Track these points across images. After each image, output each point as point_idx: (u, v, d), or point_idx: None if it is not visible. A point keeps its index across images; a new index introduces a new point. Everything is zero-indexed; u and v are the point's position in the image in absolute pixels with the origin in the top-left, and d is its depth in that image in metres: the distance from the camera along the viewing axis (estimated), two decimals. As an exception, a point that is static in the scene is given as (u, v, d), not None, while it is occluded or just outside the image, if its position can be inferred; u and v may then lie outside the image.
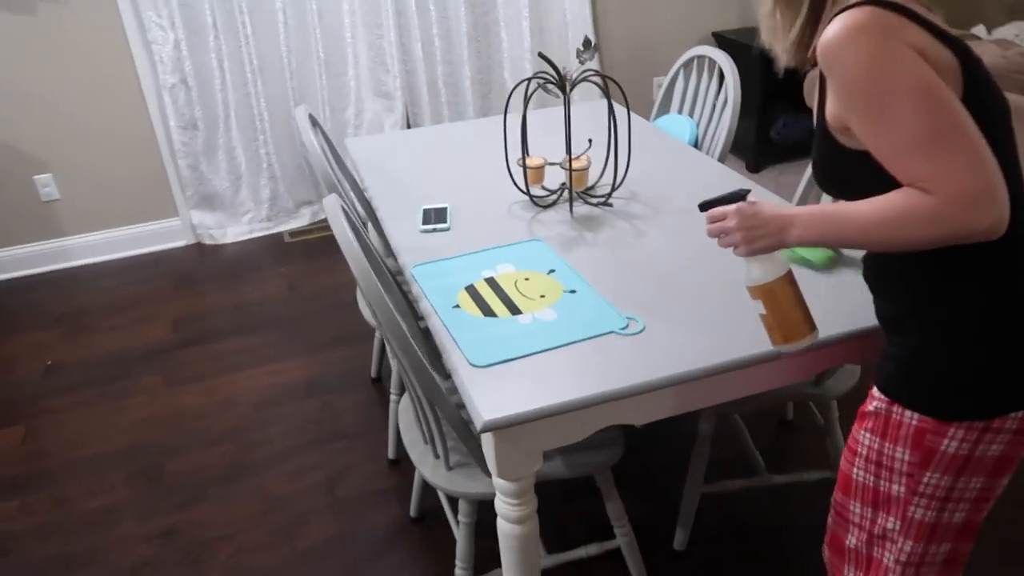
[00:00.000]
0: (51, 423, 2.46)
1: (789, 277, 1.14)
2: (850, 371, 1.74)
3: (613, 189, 1.85)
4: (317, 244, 3.50)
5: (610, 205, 1.85)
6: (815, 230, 1.07)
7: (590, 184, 1.95)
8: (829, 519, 1.25)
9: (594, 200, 1.88)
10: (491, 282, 1.57)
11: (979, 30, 3.80)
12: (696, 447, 1.76)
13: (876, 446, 1.12)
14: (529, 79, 1.80)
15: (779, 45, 1.15)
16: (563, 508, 2.02)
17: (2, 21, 3.02)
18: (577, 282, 1.54)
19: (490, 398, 1.23)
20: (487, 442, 1.27)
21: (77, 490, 2.18)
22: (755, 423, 2.25)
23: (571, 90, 1.76)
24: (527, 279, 1.57)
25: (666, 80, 2.48)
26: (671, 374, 1.26)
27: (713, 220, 1.15)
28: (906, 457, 1.09)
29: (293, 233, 3.61)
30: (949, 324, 1.04)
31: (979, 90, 0.99)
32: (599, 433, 1.56)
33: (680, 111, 2.46)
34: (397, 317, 1.32)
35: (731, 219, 1.12)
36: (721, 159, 2.20)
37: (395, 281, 1.74)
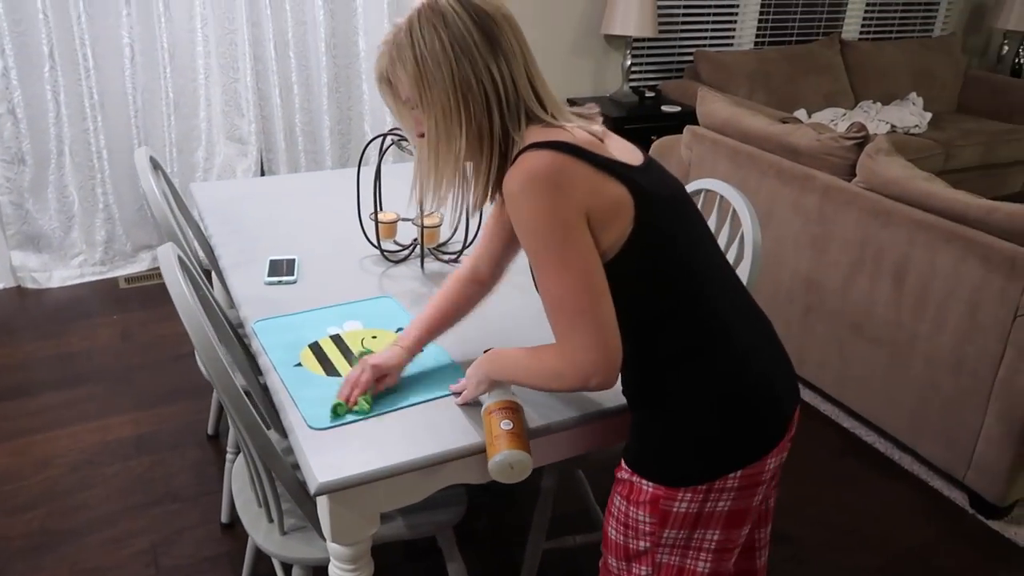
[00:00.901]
0: None
1: (489, 410, 1.23)
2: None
3: (465, 246, 1.88)
4: (156, 291, 3.30)
5: (460, 262, 1.87)
6: (496, 366, 1.24)
7: (442, 240, 1.97)
8: (599, 570, 1.33)
9: (446, 256, 1.89)
10: (337, 339, 1.53)
11: (800, 114, 4.21)
12: (539, 503, 1.78)
13: (624, 508, 1.22)
14: (384, 134, 1.80)
15: (472, 195, 1.20)
16: (404, 569, 1.96)
17: None
18: (424, 339, 1.54)
19: (326, 459, 1.19)
20: (322, 505, 1.23)
21: None
22: (599, 477, 2.31)
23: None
24: (374, 337, 1.55)
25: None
26: (512, 434, 1.27)
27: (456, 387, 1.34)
28: (647, 519, 1.19)
29: (129, 279, 3.38)
30: (663, 404, 1.16)
31: (653, 201, 1.10)
32: (441, 492, 1.54)
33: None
34: (231, 374, 1.25)
35: (465, 381, 1.31)
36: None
37: (236, 335, 1.67)
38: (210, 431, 2.41)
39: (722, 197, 1.90)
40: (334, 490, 1.17)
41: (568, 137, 1.09)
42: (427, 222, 1.85)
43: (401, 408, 1.32)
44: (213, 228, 2.03)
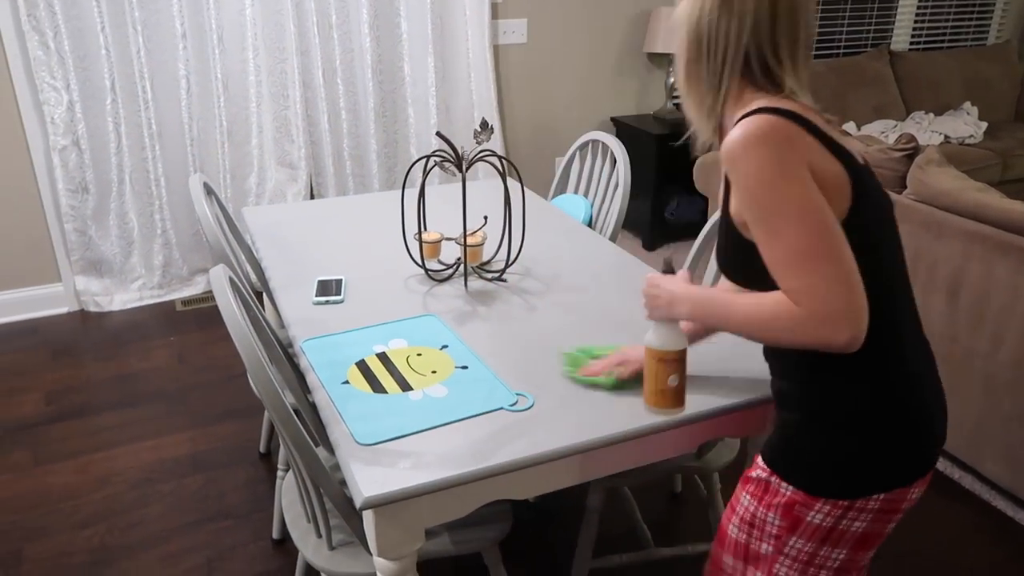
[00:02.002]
0: None
1: (663, 356, 1.25)
2: (730, 444, 1.80)
3: (507, 265, 1.89)
4: (211, 313, 3.39)
5: (504, 280, 1.89)
6: (700, 311, 1.18)
7: (485, 259, 1.99)
8: (705, 567, 1.31)
9: (488, 275, 1.91)
10: (383, 357, 1.56)
11: (849, 127, 4.15)
12: (584, 521, 1.77)
13: (752, 508, 1.19)
14: (427, 156, 1.84)
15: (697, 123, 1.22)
16: (455, 588, 1.97)
17: None
18: (469, 358, 1.55)
19: (372, 474, 1.21)
20: (367, 519, 1.25)
21: (-79, 580, 1.99)
22: (646, 496, 2.28)
23: (467, 169, 1.81)
24: (419, 355, 1.57)
25: (563, 161, 2.58)
26: (552, 448, 1.27)
27: (649, 285, 1.27)
28: (776, 521, 1.16)
29: (186, 301, 3.49)
30: (824, 410, 1.13)
31: (868, 196, 1.08)
32: (487, 508, 1.55)
33: (576, 191, 2.55)
34: (280, 392, 1.29)
35: (660, 288, 1.24)
36: (613, 238, 2.29)
37: (286, 354, 1.71)
38: (262, 449, 2.46)
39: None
40: (379, 504, 1.18)
41: (798, 109, 1.07)
42: (470, 241, 1.87)
43: (446, 424, 1.34)
44: (264, 251, 2.09)
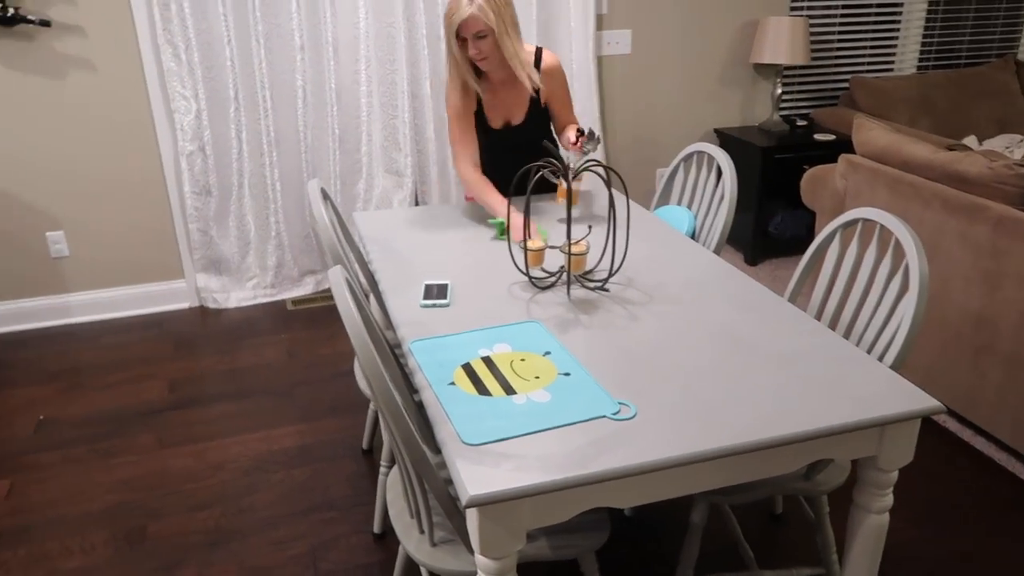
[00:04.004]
0: (38, 479, 2.45)
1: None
2: (841, 466, 1.75)
3: (611, 274, 1.90)
4: (319, 313, 3.54)
5: (607, 290, 1.90)
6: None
7: (588, 268, 2.00)
8: None
9: (591, 284, 1.92)
10: (487, 361, 1.60)
11: (970, 141, 3.94)
12: (687, 537, 1.75)
13: None
14: (535, 166, 1.87)
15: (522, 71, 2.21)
16: (547, 593, 1.99)
17: (33, 84, 3.15)
18: (572, 365, 1.57)
19: (477, 474, 1.24)
20: (471, 518, 1.28)
21: (56, 548, 2.16)
22: (745, 515, 2.24)
23: (573, 179, 1.83)
24: (523, 360, 1.60)
25: (667, 172, 2.57)
26: (655, 459, 1.27)
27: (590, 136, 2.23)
28: None
29: (296, 301, 3.65)
30: None
31: None
32: (585, 516, 1.56)
33: (679, 202, 2.54)
34: (392, 389, 1.34)
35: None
36: (717, 251, 2.26)
37: (393, 353, 1.77)
38: (365, 445, 2.55)
39: (882, 227, 1.82)
40: (483, 503, 1.21)
41: None
42: (574, 250, 1.89)
43: (554, 428, 1.36)
44: (373, 254, 2.18)
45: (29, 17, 3.03)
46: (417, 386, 1.55)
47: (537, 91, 2.31)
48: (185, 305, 3.62)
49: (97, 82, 3.23)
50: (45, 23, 3.06)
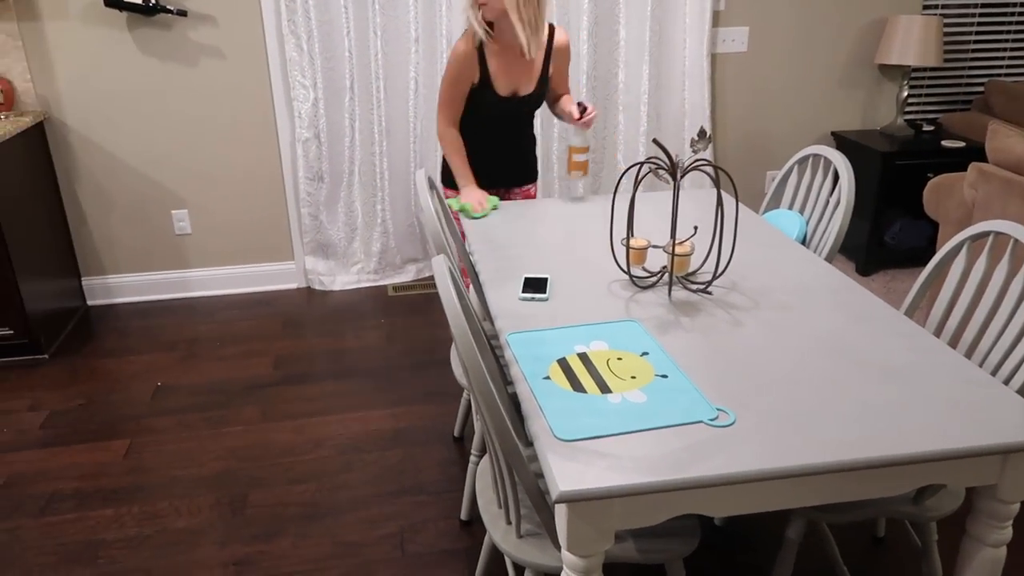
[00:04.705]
0: (153, 441, 2.61)
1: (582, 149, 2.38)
2: (953, 493, 1.64)
3: (714, 277, 1.85)
4: (418, 300, 3.61)
5: (709, 293, 1.85)
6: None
7: (691, 270, 1.96)
8: None
9: (694, 286, 1.88)
10: (583, 357, 1.59)
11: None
12: (781, 553, 1.69)
13: None
14: (641, 163, 1.84)
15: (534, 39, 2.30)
16: (631, 596, 1.96)
17: (168, 70, 3.35)
18: (669, 367, 1.54)
19: (568, 470, 1.24)
20: (560, 514, 1.28)
21: (167, 508, 2.29)
22: (844, 535, 2.14)
23: (681, 177, 1.79)
24: (620, 359, 1.58)
25: (779, 175, 2.48)
26: (752, 469, 1.23)
27: (592, 114, 2.39)
28: None
29: (397, 287, 3.74)
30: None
31: None
32: (675, 521, 1.53)
33: (791, 207, 2.44)
34: (488, 380, 1.35)
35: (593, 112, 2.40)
36: (828, 259, 2.16)
37: (489, 344, 1.79)
38: (456, 433, 2.58)
39: (1016, 241, 1.69)
40: (574, 500, 1.21)
41: None
42: (678, 251, 1.85)
43: (649, 430, 1.34)
44: (475, 244, 2.20)
45: (168, 7, 3.22)
46: (512, 378, 1.55)
47: (546, 64, 2.41)
48: (293, 286, 3.77)
49: (225, 69, 3.40)
50: (182, 13, 3.24)
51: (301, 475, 2.42)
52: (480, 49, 2.33)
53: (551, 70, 2.43)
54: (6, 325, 3.05)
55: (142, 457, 2.54)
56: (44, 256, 3.27)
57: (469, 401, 2.53)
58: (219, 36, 3.35)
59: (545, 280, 1.93)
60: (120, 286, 3.65)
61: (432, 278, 3.82)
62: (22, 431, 2.68)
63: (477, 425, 2.16)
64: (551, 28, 2.40)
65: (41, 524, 2.24)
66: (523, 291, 1.87)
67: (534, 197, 2.70)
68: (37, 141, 3.29)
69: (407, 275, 3.82)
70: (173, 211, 3.58)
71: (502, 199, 2.63)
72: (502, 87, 2.40)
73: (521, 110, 2.48)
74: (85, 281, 3.63)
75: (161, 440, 2.62)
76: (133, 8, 3.18)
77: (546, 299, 1.85)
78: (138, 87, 3.37)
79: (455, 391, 2.84)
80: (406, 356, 3.12)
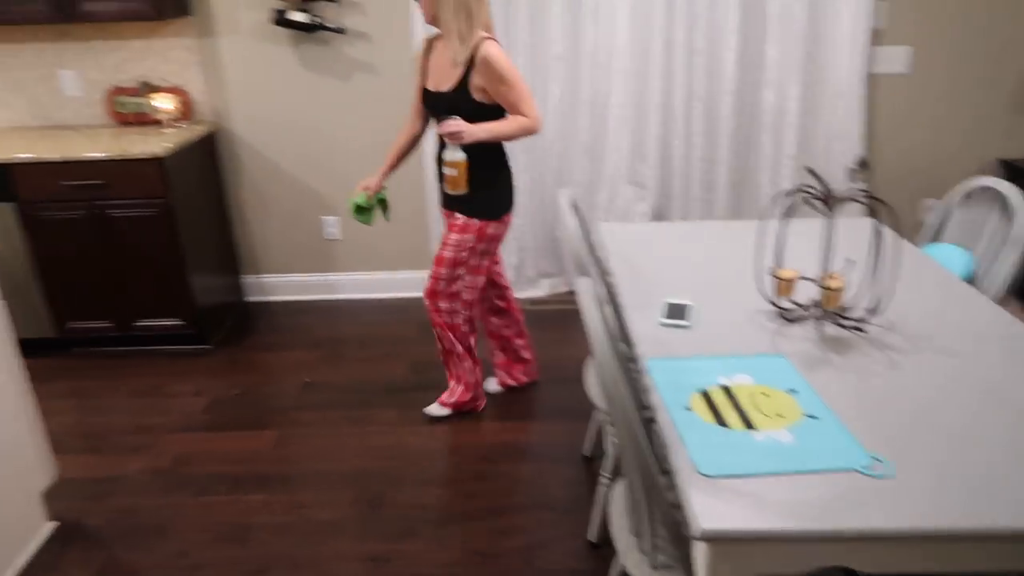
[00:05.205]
0: (300, 434, 2.78)
1: (467, 161, 2.45)
2: None
3: (871, 314, 1.77)
4: (551, 315, 3.65)
5: (864, 331, 1.78)
6: (486, 133, 2.41)
7: (845, 305, 1.88)
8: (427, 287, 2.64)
9: (847, 323, 1.81)
10: (726, 390, 1.56)
11: None
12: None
13: (456, 238, 2.58)
14: (794, 191, 1.79)
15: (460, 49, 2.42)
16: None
17: (325, 84, 3.57)
18: (819, 407, 1.49)
19: (711, 507, 1.22)
20: (700, 551, 1.26)
21: (311, 499, 2.44)
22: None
23: (838, 208, 1.73)
24: (765, 395, 1.55)
25: (940, 207, 2.34)
26: (911, 527, 1.17)
27: (455, 126, 2.38)
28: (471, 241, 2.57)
29: (532, 301, 3.80)
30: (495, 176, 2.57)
31: None
32: (821, 569, 1.48)
33: (956, 242, 2.30)
34: (632, 412, 1.36)
35: (462, 127, 2.38)
36: (998, 301, 2.02)
37: (626, 368, 1.79)
38: (586, 452, 2.60)
39: None
40: (715, 539, 1.19)
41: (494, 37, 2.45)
42: (831, 284, 1.79)
43: (796, 473, 1.30)
44: (615, 266, 2.21)
45: (328, 25, 3.43)
46: (648, 404, 1.55)
47: (468, 70, 2.40)
48: (431, 293, 3.91)
49: (377, 83, 3.58)
50: (340, 31, 3.44)
51: (435, 478, 2.51)
52: (430, 41, 2.58)
53: (475, 79, 2.40)
54: (178, 316, 3.34)
55: (289, 448, 2.70)
56: (211, 254, 3.55)
57: (602, 422, 2.53)
58: (372, 52, 3.53)
59: (687, 306, 1.91)
60: (274, 285, 3.91)
61: (567, 294, 3.86)
62: (187, 414, 2.93)
63: (610, 448, 2.17)
64: (483, 39, 2.38)
65: (200, 503, 2.44)
66: (664, 316, 1.86)
67: (460, 232, 2.56)
68: (209, 149, 3.58)
69: (541, 289, 3.87)
70: (324, 217, 3.80)
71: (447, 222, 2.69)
72: (430, 81, 2.55)
73: (439, 106, 2.49)
74: (244, 279, 3.91)
75: (307, 434, 2.78)
76: (296, 26, 3.41)
77: (688, 326, 1.83)
78: (298, 99, 3.60)
79: (586, 409, 2.86)
80: (541, 372, 3.16)
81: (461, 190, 2.48)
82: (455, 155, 2.43)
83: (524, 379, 3.02)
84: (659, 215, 3.73)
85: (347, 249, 3.86)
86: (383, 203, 2.76)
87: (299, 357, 3.33)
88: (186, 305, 3.32)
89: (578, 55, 3.51)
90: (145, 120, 3.55)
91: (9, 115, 3.63)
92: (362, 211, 2.69)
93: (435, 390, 3.02)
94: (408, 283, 3.90)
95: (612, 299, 2.18)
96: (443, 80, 2.48)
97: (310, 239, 3.84)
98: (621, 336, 2.27)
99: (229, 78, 3.57)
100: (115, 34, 3.48)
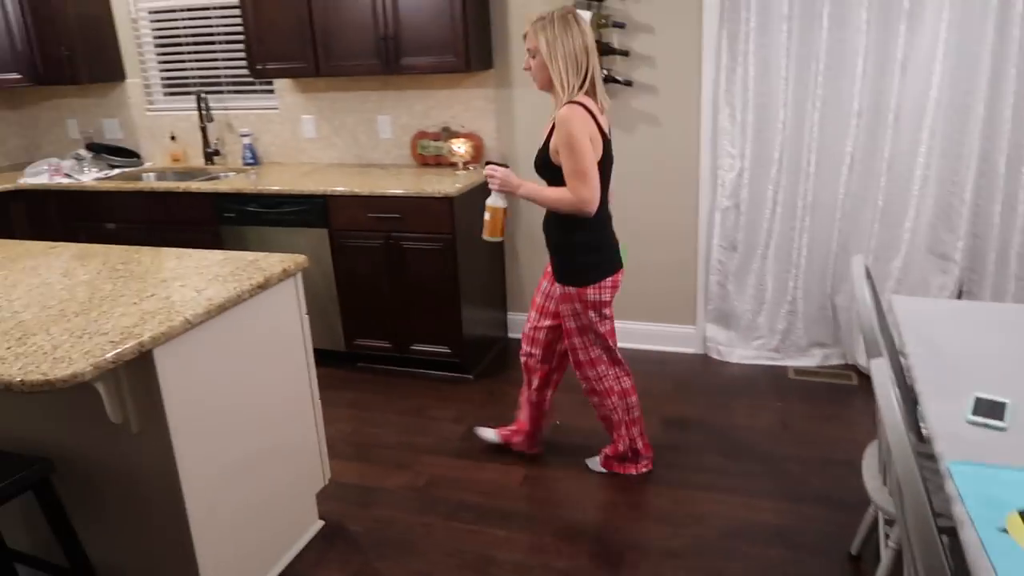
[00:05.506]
0: (545, 476, 2.80)
1: (506, 212, 2.53)
2: None
3: None
4: (820, 388, 3.35)
5: None
6: (528, 192, 2.46)
7: None
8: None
9: None
10: (1056, 514, 1.28)
11: None
12: None
13: (569, 308, 2.57)
14: None
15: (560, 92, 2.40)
16: None
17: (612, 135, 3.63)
18: None
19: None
20: None
21: (551, 545, 2.42)
22: None
23: None
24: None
25: None
26: None
27: (490, 171, 2.48)
28: (579, 307, 2.54)
29: (799, 371, 3.52)
30: (576, 244, 2.49)
31: (607, 151, 2.42)
32: None
33: None
34: (926, 515, 1.16)
35: (499, 172, 2.47)
36: None
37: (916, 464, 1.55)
38: (853, 551, 2.30)
39: None
40: None
41: (589, 103, 2.38)
42: None
43: None
44: (911, 346, 1.95)
45: (617, 78, 3.50)
46: (943, 512, 1.32)
47: (551, 130, 2.41)
48: (690, 350, 3.78)
49: (659, 135, 3.57)
50: (628, 83, 3.49)
51: (677, 549, 2.38)
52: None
53: (553, 140, 2.37)
54: (446, 344, 3.56)
55: (535, 488, 2.73)
56: (482, 289, 3.75)
57: (875, 517, 2.24)
58: (658, 105, 3.54)
59: (1003, 405, 1.62)
60: (536, 324, 4.03)
61: (840, 367, 3.52)
62: (445, 439, 3.09)
63: (886, 555, 1.90)
64: (571, 101, 2.35)
65: (448, 527, 2.53)
66: (973, 413, 1.60)
67: (579, 302, 2.52)
68: (493, 191, 3.81)
69: (811, 359, 3.57)
70: (591, 263, 3.84)
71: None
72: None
73: (534, 161, 2.51)
74: (510, 315, 4.08)
75: (551, 477, 2.79)
76: (588, 79, 3.52)
77: (1004, 428, 1.55)
78: (581, 149, 3.70)
79: (855, 500, 2.55)
80: (801, 447, 2.90)
81: (494, 237, 2.51)
82: (494, 201, 2.48)
83: (516, 440, 2.91)
84: (964, 292, 3.28)
85: (609, 296, 3.86)
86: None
87: (553, 397, 3.37)
88: (455, 335, 3.53)
89: (879, 111, 3.22)
90: (442, 162, 3.87)
91: (333, 153, 4.16)
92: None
93: (684, 451, 2.89)
94: (669, 336, 3.81)
95: (908, 384, 1.92)
96: (544, 137, 2.50)
97: (575, 283, 3.91)
98: (915, 428, 1.99)
99: (518, 126, 3.78)
100: (427, 84, 3.86)
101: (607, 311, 2.54)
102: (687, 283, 3.72)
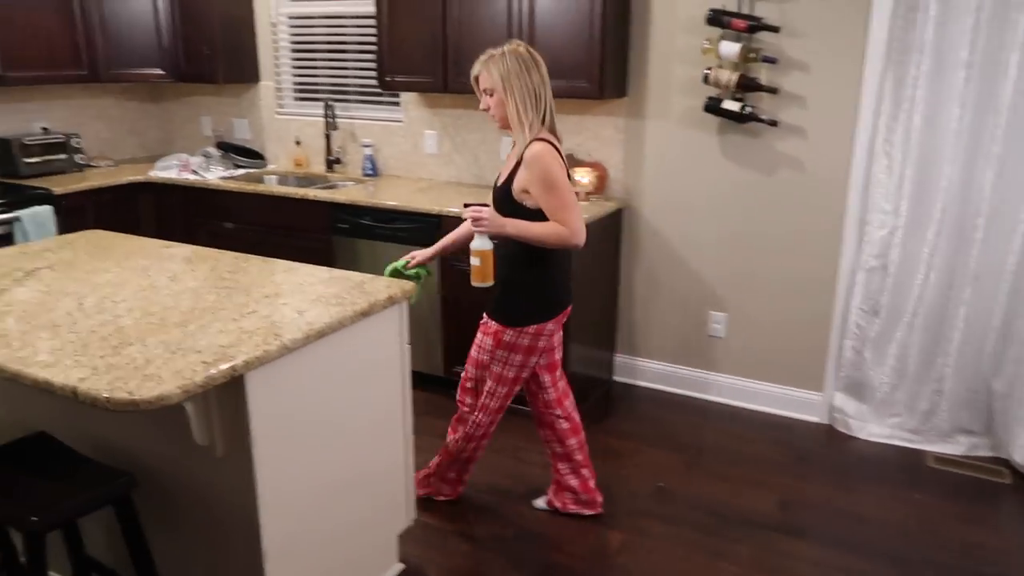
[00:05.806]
0: (645, 546, 2.55)
1: (493, 252, 2.32)
2: None
3: None
4: (964, 482, 2.94)
5: None
6: (515, 230, 2.28)
7: None
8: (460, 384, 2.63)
9: None
10: None
11: None
12: None
13: (488, 343, 2.51)
14: None
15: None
16: None
17: (746, 176, 3.36)
18: None
19: None
20: None
21: (644, 629, 2.18)
22: None
23: None
24: None
25: None
26: None
27: (475, 212, 2.29)
28: (490, 345, 2.52)
29: (940, 459, 3.11)
30: (528, 282, 2.41)
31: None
32: None
33: None
34: None
35: (484, 212, 2.28)
36: None
37: None
38: None
39: None
40: None
41: (553, 140, 2.33)
42: None
43: None
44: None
45: (761, 117, 3.22)
46: None
47: (516, 167, 2.32)
48: (814, 419, 3.43)
49: (802, 182, 3.27)
50: (773, 123, 3.22)
51: (790, 657, 2.09)
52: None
53: (520, 177, 2.29)
54: (548, 383, 3.36)
55: (633, 557, 2.49)
56: (592, 326, 3.54)
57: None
58: (805, 149, 3.24)
59: None
60: (645, 370, 3.78)
61: (989, 460, 3.09)
62: (534, 488, 2.88)
63: None
64: (537, 139, 2.28)
65: (532, 590, 2.33)
66: None
67: (490, 335, 2.46)
68: (615, 224, 3.60)
69: (956, 447, 3.15)
70: (712, 311, 3.57)
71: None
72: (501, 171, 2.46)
73: (493, 195, 2.42)
74: (618, 358, 3.84)
75: (651, 547, 2.54)
76: (728, 115, 3.26)
77: None
78: (711, 188, 3.44)
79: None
80: (938, 552, 2.53)
81: (485, 282, 2.33)
82: (481, 244, 2.29)
83: (572, 507, 2.70)
84: None
85: (730, 350, 3.57)
86: (418, 278, 2.53)
87: (657, 456, 3.12)
88: (559, 374, 3.33)
89: (1068, 176, 2.82)
90: (561, 189, 3.70)
91: (451, 171, 4.06)
92: (397, 274, 2.50)
93: (803, 539, 2.57)
94: (792, 402, 3.47)
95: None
96: (503, 173, 2.40)
97: (693, 331, 3.63)
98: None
99: (647, 159, 3.56)
100: (555, 108, 3.69)
101: (525, 362, 2.44)
102: (818, 345, 3.38)
